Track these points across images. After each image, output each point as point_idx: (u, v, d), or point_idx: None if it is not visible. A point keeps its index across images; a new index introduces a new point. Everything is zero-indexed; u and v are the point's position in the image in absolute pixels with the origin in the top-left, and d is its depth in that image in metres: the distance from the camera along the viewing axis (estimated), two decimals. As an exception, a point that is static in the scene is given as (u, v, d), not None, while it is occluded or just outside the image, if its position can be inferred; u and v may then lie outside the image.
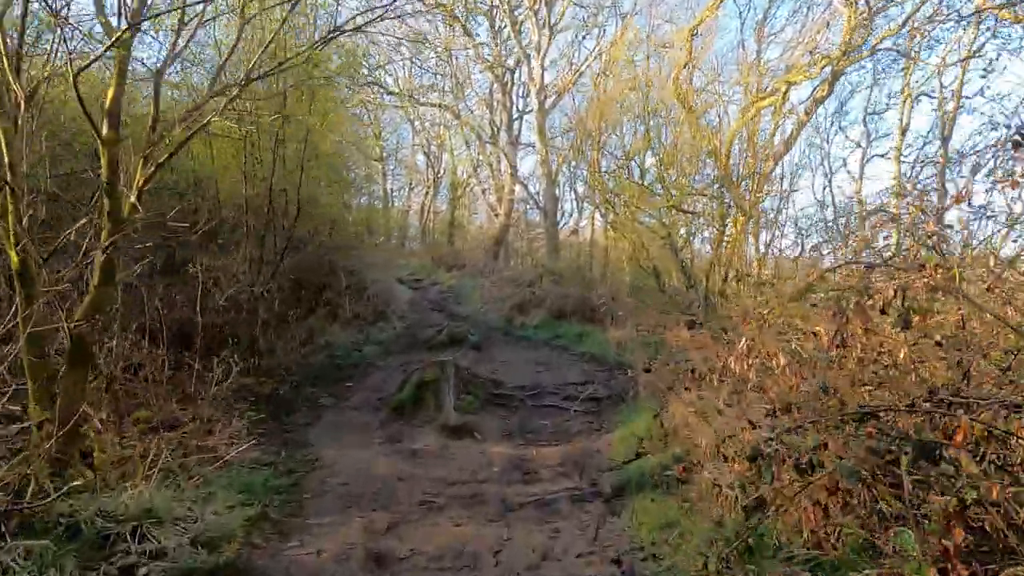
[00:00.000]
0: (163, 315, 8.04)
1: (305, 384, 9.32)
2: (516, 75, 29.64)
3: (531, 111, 30.42)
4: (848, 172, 25.75)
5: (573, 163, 25.73)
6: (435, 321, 16.39)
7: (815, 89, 15.53)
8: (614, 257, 23.57)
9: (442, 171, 35.38)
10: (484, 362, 11.37)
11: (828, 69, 14.63)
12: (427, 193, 37.69)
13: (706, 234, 14.38)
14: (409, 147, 39.52)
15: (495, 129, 29.55)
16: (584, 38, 27.45)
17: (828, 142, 24.75)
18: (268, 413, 7.88)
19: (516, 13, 26.19)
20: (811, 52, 15.29)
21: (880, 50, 15.54)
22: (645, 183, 12.68)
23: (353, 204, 39.68)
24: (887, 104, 30.66)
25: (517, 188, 30.19)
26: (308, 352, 10.80)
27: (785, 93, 15.24)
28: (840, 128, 26.29)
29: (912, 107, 26.03)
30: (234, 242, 10.72)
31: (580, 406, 8.46)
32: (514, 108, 30.40)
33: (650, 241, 13.21)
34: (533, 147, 30.72)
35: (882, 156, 28.26)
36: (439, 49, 30.47)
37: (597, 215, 28.57)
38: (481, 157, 30.05)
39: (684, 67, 14.01)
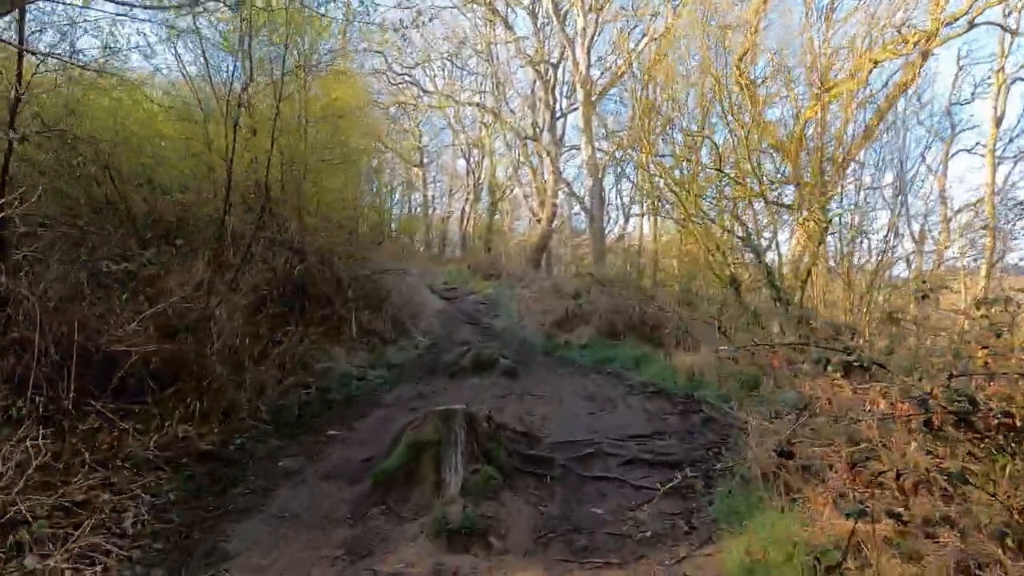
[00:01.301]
0: (64, 340, 5.54)
1: (271, 434, 6.69)
2: (559, 71, 26.94)
3: (575, 108, 27.83)
4: (928, 168, 22.00)
5: (621, 162, 22.84)
6: (465, 337, 13.69)
7: (895, 74, 12.57)
8: (670, 264, 20.56)
9: (482, 176, 32.80)
10: (515, 397, 8.58)
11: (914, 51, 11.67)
12: (467, 199, 35.23)
13: (782, 236, 11.38)
14: (449, 152, 37.17)
15: (536, 129, 26.85)
16: (635, 27, 24.55)
17: (906, 136, 21.28)
18: (192, 488, 5.25)
19: (560, 2, 23.51)
20: (899, 29, 12.22)
21: (977, 25, 12.65)
22: (721, 170, 9.74)
23: (386, 207, 37.64)
24: (973, 93, 26.94)
25: (560, 191, 27.51)
26: (292, 384, 8.20)
27: (867, 76, 12.22)
28: (919, 121, 22.78)
29: (1007, 94, 22.44)
30: (202, 242, 8.19)
31: (651, 476, 5.61)
32: (557, 106, 27.71)
33: (724, 244, 10.29)
34: (577, 148, 28.02)
35: (968, 151, 24.60)
36: (478, 46, 28.01)
37: (647, 218, 25.64)
38: (522, 159, 27.35)
39: (745, 54, 11.11)
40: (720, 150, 9.80)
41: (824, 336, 4.77)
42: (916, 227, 15.83)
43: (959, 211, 20.62)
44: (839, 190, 11.28)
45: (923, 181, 25.34)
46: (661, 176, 10.21)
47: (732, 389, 7.98)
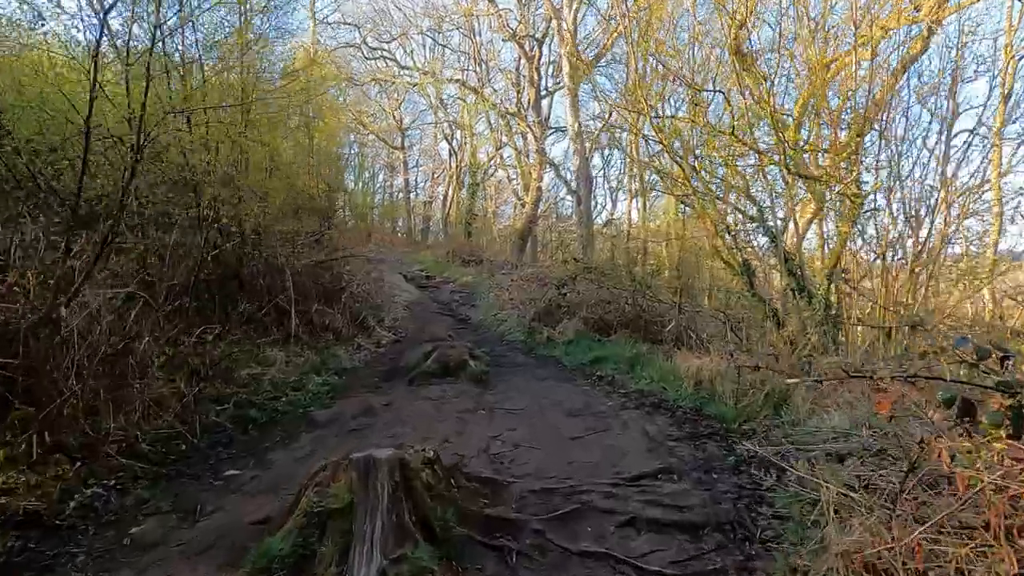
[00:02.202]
0: None
1: (145, 477, 4.85)
2: (544, 47, 24.96)
3: (562, 86, 26.01)
4: (928, 150, 20.29)
5: (612, 131, 21.01)
6: (437, 332, 11.87)
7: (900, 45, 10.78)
8: (663, 251, 18.77)
9: (464, 159, 30.82)
10: (484, 413, 6.77)
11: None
12: (450, 183, 33.31)
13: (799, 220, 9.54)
14: (431, 134, 35.16)
15: (521, 109, 24.93)
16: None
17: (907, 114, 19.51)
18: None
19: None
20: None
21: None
22: (735, 135, 7.87)
23: (366, 191, 35.64)
24: (976, 70, 25.19)
25: (546, 173, 25.67)
26: (202, 400, 6.34)
27: (874, 48, 10.45)
28: (920, 101, 21.01)
29: (1016, 69, 20.76)
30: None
31: (663, 548, 3.83)
32: (543, 84, 25.78)
33: (735, 225, 8.48)
34: (564, 131, 26.13)
35: (971, 131, 22.91)
36: (458, 18, 25.94)
37: (637, 200, 23.84)
38: (506, 139, 25.41)
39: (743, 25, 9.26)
40: (732, 111, 7.94)
41: (947, 356, 2.98)
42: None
43: (960, 195, 19.00)
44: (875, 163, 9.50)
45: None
46: (661, 142, 8.35)
47: (753, 405, 6.22)
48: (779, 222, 8.55)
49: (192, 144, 7.41)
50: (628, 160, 24.04)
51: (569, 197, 28.47)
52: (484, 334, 12.27)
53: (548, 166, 23.96)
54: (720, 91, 8.23)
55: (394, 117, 34.84)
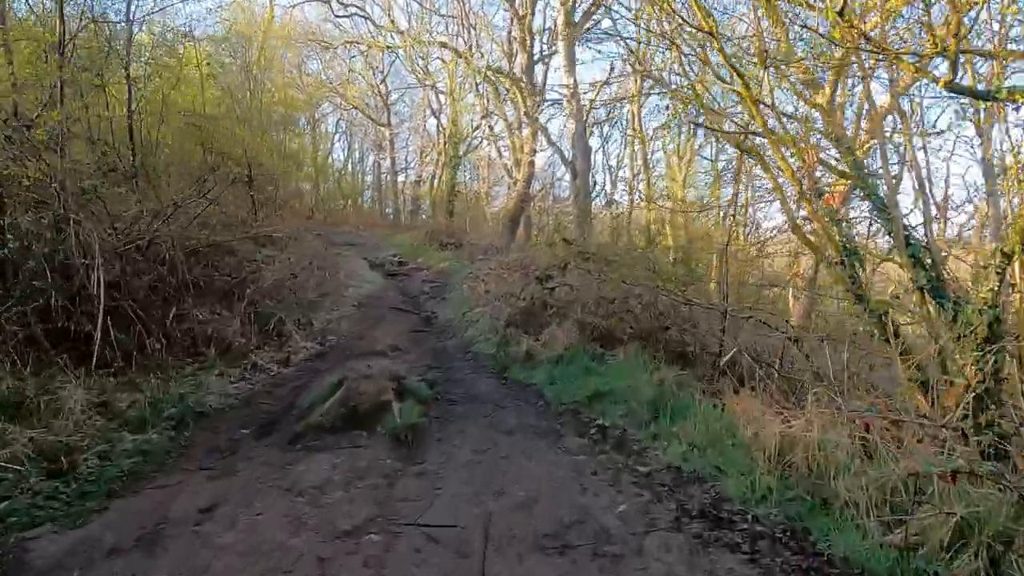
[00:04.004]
0: None
1: None
2: (538, 11, 21.25)
3: (556, 51, 22.40)
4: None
5: (608, 122, 17.54)
6: (380, 341, 8.46)
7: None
8: (670, 233, 15.33)
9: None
10: (374, 543, 3.30)
11: None
12: (438, 161, 29.62)
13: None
14: (420, 110, 31.44)
15: (512, 73, 21.19)
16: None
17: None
18: None
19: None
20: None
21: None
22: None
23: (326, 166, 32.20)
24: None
25: (541, 151, 22.10)
26: None
27: None
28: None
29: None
30: None
31: None
32: (535, 47, 22.08)
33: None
34: (559, 104, 22.48)
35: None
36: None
37: (640, 178, 20.32)
38: (495, 109, 21.68)
39: None
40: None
41: None
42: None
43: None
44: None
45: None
46: (722, 58, 4.71)
47: (934, 539, 2.78)
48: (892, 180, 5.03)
49: None
50: (632, 128, 20.50)
51: (566, 178, 24.94)
52: (447, 341, 8.79)
53: (541, 136, 20.36)
54: None
55: (379, 91, 31.15)
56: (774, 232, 7.53)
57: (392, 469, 4.23)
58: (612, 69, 21.68)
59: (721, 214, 15.32)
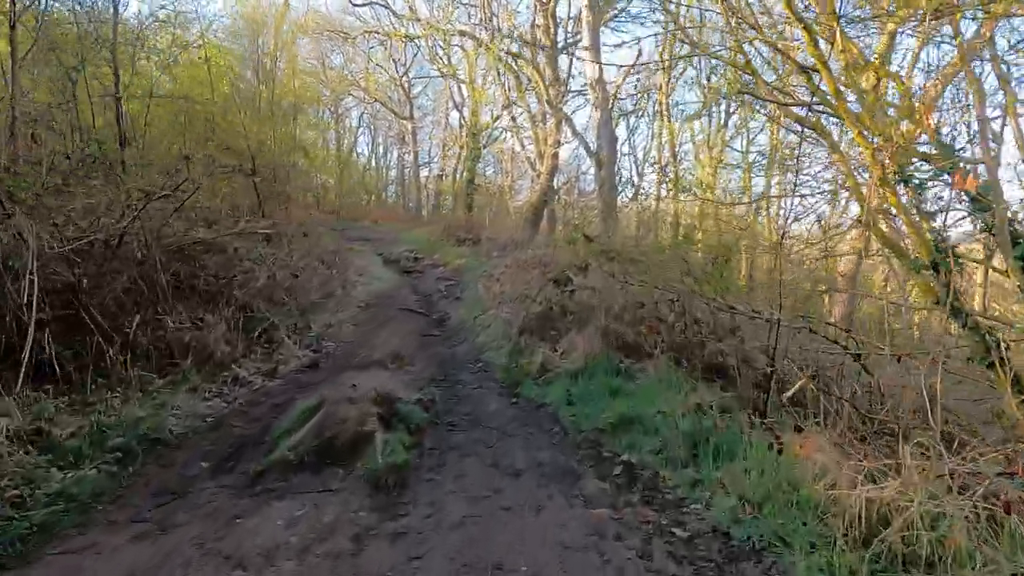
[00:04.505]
0: None
1: None
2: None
3: (580, 39, 21.50)
4: None
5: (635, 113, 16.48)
6: (385, 346, 7.62)
7: None
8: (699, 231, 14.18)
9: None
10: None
11: None
12: (459, 155, 28.73)
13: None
14: (442, 103, 30.59)
15: (536, 61, 20.15)
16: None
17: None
18: None
19: None
20: None
21: None
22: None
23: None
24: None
25: (565, 143, 21.09)
26: None
27: None
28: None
29: None
30: None
31: None
32: (559, 34, 21.05)
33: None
34: (585, 94, 21.41)
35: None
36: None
37: (668, 172, 19.18)
38: (516, 96, 20.67)
39: None
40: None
41: None
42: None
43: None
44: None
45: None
46: (786, 6, 3.67)
47: None
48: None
49: None
50: (661, 116, 19.39)
51: (591, 172, 23.84)
52: (456, 347, 7.91)
53: (566, 127, 19.33)
54: None
55: (401, 84, 30.42)
56: (839, 227, 6.40)
57: (365, 527, 3.34)
58: (640, 53, 20.52)
59: (764, 207, 14.22)
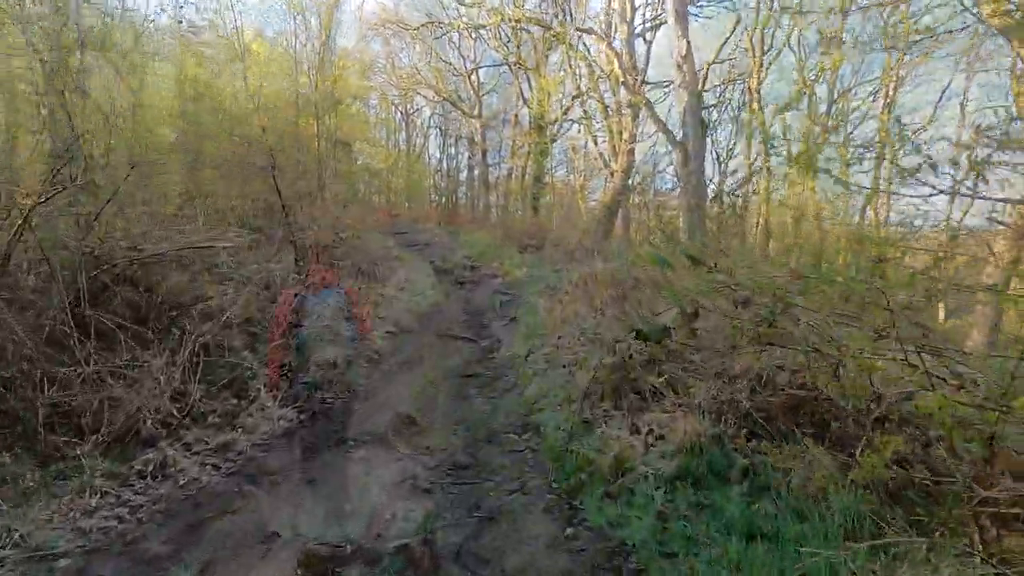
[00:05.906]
0: None
1: None
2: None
3: (660, 23, 19.02)
4: None
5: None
6: (402, 400, 5.43)
7: None
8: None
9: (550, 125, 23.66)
10: None
11: None
12: (527, 153, 26.53)
13: None
14: (508, 96, 28.49)
15: (611, 47, 17.60)
16: None
17: None
18: None
19: None
20: None
21: None
22: None
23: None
24: None
25: (641, 137, 18.59)
26: None
27: None
28: None
29: None
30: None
31: None
32: (639, 21, 18.52)
33: None
34: (666, 86, 18.72)
35: None
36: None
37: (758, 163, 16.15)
38: (588, 85, 18.16)
39: None
40: None
41: None
42: None
43: None
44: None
45: None
46: None
47: None
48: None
49: None
50: (750, 108, 16.45)
51: (668, 170, 21.04)
52: (498, 398, 5.64)
53: (643, 120, 16.74)
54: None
55: (470, 83, 28.60)
56: None
57: None
58: (727, 40, 17.59)
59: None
